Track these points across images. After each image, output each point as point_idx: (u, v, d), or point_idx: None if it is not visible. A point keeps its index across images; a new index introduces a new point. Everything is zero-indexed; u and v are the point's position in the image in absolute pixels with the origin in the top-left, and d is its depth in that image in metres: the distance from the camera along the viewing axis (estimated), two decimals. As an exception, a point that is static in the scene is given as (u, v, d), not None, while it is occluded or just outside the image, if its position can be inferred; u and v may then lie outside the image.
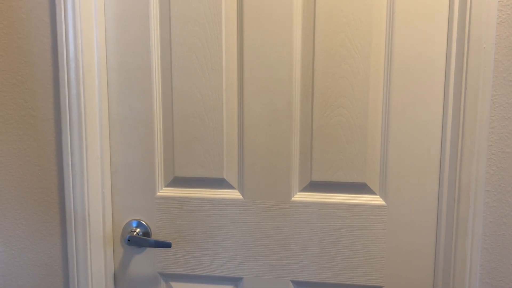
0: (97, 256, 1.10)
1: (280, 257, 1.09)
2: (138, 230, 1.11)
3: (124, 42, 1.06)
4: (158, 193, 1.11)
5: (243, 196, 1.09)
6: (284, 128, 1.05)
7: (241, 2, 1.02)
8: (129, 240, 1.08)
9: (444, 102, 1.00)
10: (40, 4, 1.03)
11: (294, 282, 1.10)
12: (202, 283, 1.14)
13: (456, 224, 1.00)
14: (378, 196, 1.05)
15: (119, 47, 1.07)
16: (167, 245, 1.06)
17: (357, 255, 1.07)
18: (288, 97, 1.04)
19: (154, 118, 1.08)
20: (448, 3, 0.97)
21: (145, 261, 1.13)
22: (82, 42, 1.02)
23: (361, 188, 1.05)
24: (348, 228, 1.06)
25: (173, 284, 1.14)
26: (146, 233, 1.12)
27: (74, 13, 1.00)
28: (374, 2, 0.98)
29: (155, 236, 1.12)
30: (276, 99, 1.04)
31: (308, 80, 1.03)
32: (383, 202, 1.05)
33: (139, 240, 1.08)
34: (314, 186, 1.07)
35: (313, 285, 1.10)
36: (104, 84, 1.07)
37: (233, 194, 1.09)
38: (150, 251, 1.13)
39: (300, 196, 1.07)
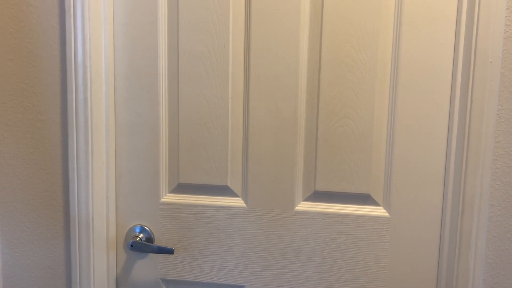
0: (100, 260, 1.11)
1: (282, 266, 1.09)
2: (141, 235, 1.12)
3: (132, 48, 1.07)
4: (162, 199, 1.11)
5: (246, 204, 1.09)
6: (289, 137, 1.05)
7: (249, 11, 1.03)
8: (132, 246, 1.08)
9: (449, 115, 1.00)
10: (50, 10, 1.04)
11: (295, 292, 1.10)
12: (203, 290, 1.14)
13: (460, 238, 0.99)
14: (382, 208, 1.05)
15: (127, 54, 1.07)
16: (169, 251, 1.07)
17: (359, 266, 1.07)
18: (294, 106, 1.04)
19: (160, 124, 1.09)
20: (455, 17, 0.97)
21: (148, 267, 1.13)
22: (91, 48, 1.03)
23: (365, 199, 1.05)
24: (351, 239, 1.06)
25: (175, 290, 1.15)
26: (149, 239, 1.12)
27: (83, 19, 1.01)
28: (381, 14, 0.99)
29: (158, 242, 1.12)
30: (282, 108, 1.04)
31: (314, 89, 1.03)
32: (387, 214, 1.04)
33: (142, 245, 1.08)
34: (318, 196, 1.07)
35: (315, 295, 1.10)
36: (111, 90, 1.08)
37: (237, 202, 1.09)
38: (153, 257, 1.13)
39: (304, 206, 1.07)
